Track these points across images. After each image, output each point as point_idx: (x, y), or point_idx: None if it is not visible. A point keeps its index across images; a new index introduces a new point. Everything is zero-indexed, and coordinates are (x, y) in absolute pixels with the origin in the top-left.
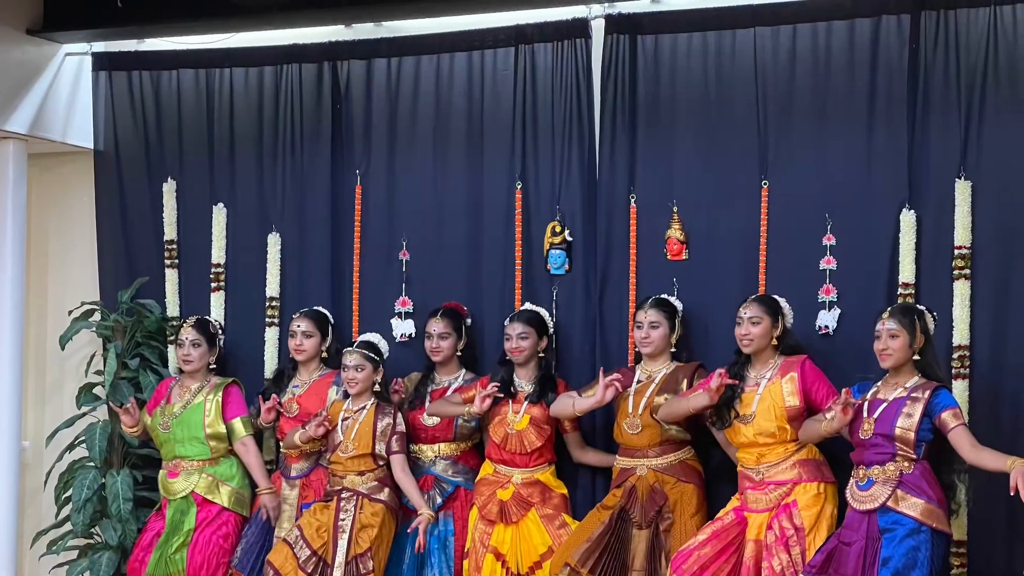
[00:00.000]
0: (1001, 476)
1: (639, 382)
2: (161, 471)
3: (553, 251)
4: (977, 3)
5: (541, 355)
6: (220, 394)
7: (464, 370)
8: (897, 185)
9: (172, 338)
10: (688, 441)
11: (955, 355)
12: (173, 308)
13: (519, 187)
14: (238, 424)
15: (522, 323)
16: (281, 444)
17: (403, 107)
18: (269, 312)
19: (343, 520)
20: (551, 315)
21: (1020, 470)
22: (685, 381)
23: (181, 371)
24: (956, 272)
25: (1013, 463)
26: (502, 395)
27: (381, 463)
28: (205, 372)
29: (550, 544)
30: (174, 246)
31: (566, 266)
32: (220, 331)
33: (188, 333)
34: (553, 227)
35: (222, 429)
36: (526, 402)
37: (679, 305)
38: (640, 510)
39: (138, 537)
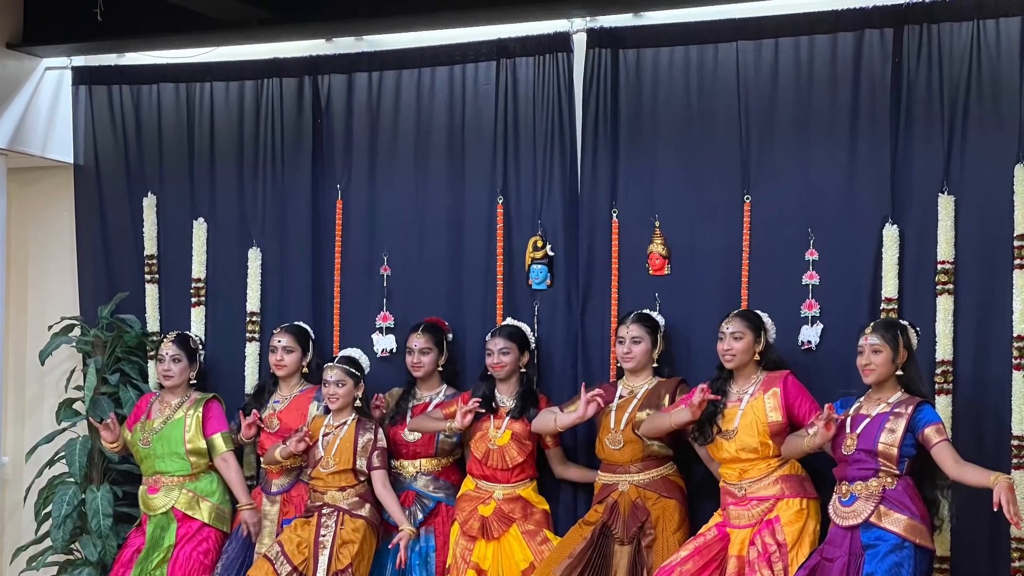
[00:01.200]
0: (984, 492)
1: (621, 397)
2: (141, 487)
3: (535, 266)
4: (960, 17)
5: (523, 370)
6: (200, 409)
7: (445, 385)
8: (880, 200)
9: (152, 353)
10: (670, 457)
11: (938, 370)
12: (153, 323)
13: (500, 201)
14: (218, 440)
15: (504, 338)
16: (262, 460)
17: (384, 121)
18: (250, 327)
19: (324, 536)
20: (533, 330)
21: (1003, 486)
22: (667, 396)
23: (161, 386)
24: (939, 287)
25: (996, 479)
26: (483, 411)
27: (362, 479)
28: (185, 387)
29: (532, 560)
30: (154, 261)
31: (548, 281)
32: (200, 346)
33: (168, 348)
34: (535, 242)
35: (202, 445)
36: (507, 417)
37: (661, 320)
38: (622, 526)
39: (118, 553)
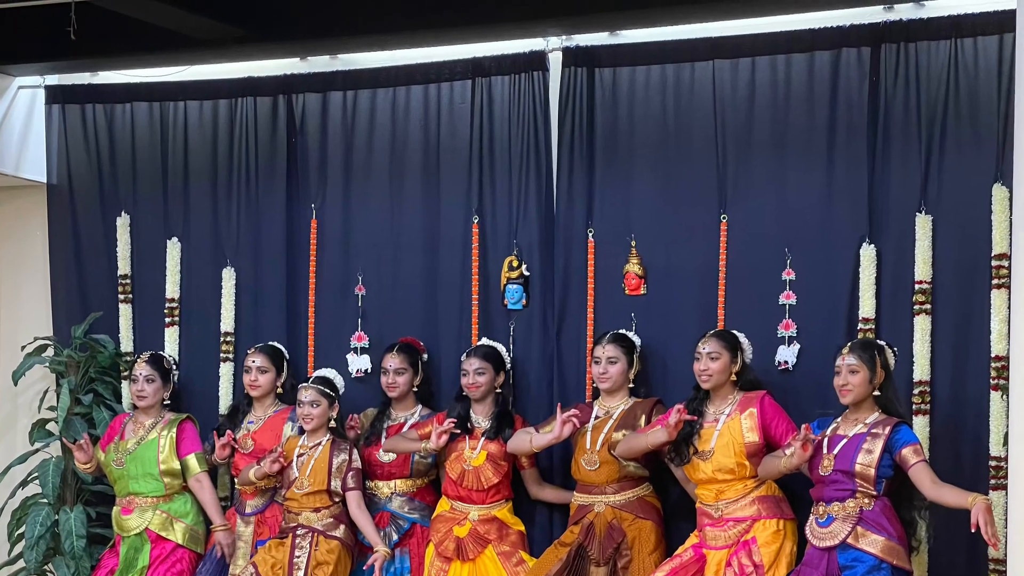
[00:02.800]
0: (962, 512)
1: (597, 418)
2: (115, 508)
3: (510, 285)
4: (937, 36)
5: (498, 391)
6: (174, 430)
7: (420, 406)
8: (857, 219)
9: (126, 373)
10: (646, 477)
11: (916, 391)
12: (127, 343)
13: (476, 221)
14: (192, 460)
15: (479, 358)
16: (236, 480)
17: (359, 140)
18: (224, 347)
19: (298, 557)
20: (508, 350)
21: (981, 507)
22: (643, 417)
23: (135, 407)
24: (917, 307)
25: (974, 499)
26: (458, 431)
27: (337, 499)
28: (159, 408)
29: None
30: (128, 281)
31: (523, 301)
32: (174, 366)
33: (142, 368)
34: (510, 261)
35: (176, 465)
36: (483, 438)
37: (637, 340)
38: (598, 547)
39: (91, 574)
